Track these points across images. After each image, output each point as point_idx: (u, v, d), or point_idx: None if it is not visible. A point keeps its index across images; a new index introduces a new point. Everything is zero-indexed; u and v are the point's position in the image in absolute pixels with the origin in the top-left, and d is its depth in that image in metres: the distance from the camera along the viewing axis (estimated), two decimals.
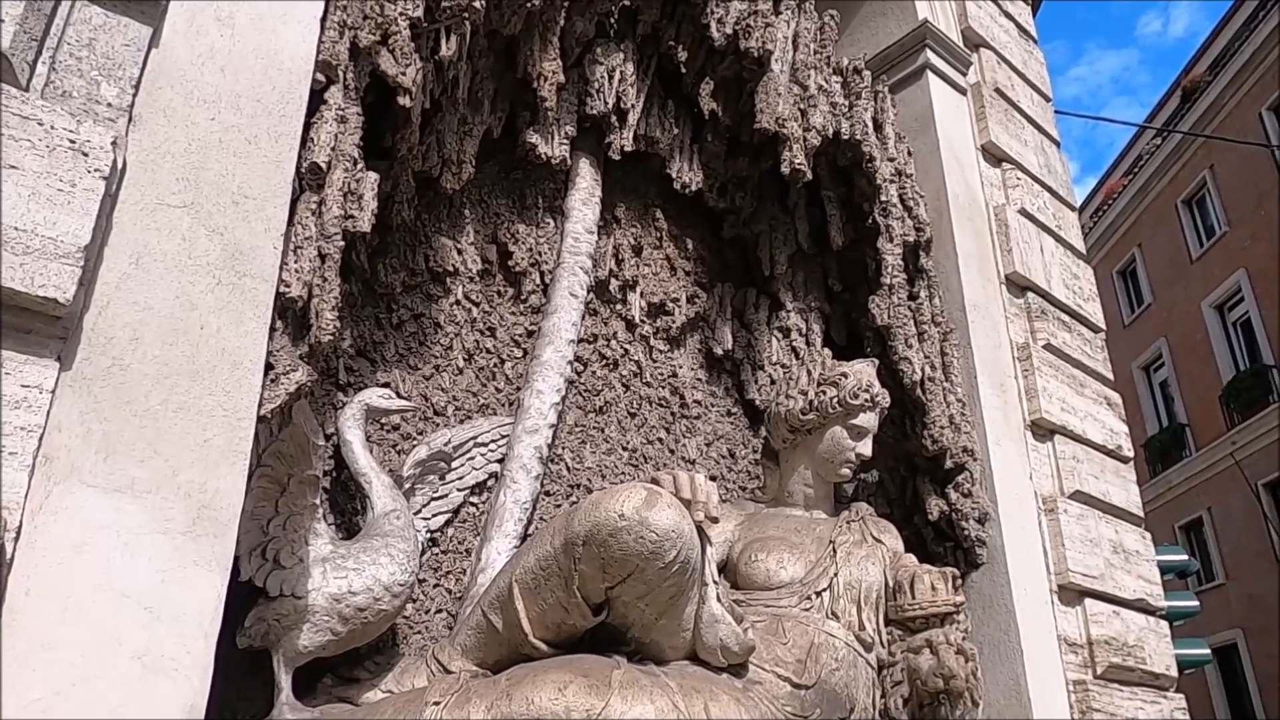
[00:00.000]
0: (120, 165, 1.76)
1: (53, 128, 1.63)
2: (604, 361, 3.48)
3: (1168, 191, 17.96)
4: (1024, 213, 4.35)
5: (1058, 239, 4.55)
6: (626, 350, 3.55)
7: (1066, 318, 4.33)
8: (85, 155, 1.65)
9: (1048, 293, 4.25)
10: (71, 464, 1.58)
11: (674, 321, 3.69)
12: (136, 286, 1.74)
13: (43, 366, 1.58)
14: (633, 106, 3.43)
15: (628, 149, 3.45)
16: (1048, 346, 4.08)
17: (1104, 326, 4.61)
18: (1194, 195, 17.42)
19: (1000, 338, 3.93)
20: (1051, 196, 4.68)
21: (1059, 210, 4.70)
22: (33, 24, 1.68)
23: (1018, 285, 4.15)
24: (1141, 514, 4.22)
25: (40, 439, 1.55)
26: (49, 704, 1.46)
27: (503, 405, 3.15)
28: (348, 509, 2.68)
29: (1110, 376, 4.47)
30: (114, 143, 1.70)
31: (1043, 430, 3.88)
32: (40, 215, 1.57)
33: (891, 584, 2.85)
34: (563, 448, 3.23)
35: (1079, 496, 3.81)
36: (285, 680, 2.24)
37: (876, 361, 3.28)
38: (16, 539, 1.49)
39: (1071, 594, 3.58)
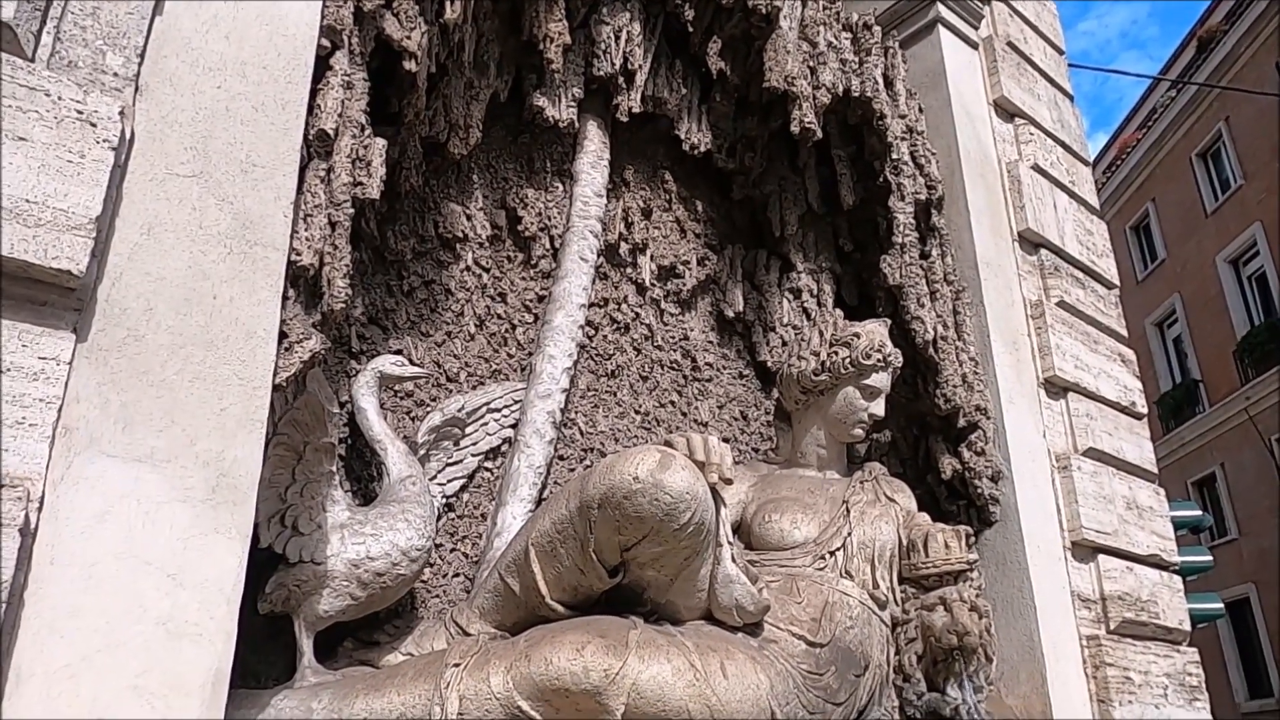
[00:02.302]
0: (128, 135, 1.75)
1: (60, 98, 1.62)
2: (615, 325, 3.48)
3: (1182, 145, 17.72)
4: (1037, 168, 4.30)
5: (1071, 194, 4.51)
6: (637, 314, 3.55)
7: (1080, 274, 4.30)
8: (93, 126, 1.64)
9: (1061, 249, 4.22)
10: (91, 435, 1.59)
11: (685, 284, 3.68)
12: (148, 257, 1.74)
13: (59, 338, 1.59)
14: (640, 67, 3.39)
15: (635, 110, 3.41)
16: (1061, 303, 4.05)
17: (1118, 283, 4.58)
18: (1209, 148, 17.18)
19: (1013, 295, 3.90)
20: (1065, 151, 4.63)
21: (1072, 165, 4.65)
22: None
23: (1031, 242, 4.12)
24: (1155, 470, 4.21)
25: (59, 410, 1.56)
26: (75, 669, 1.49)
27: (515, 371, 3.16)
28: (364, 476, 2.70)
29: (1124, 333, 4.44)
30: (121, 113, 1.70)
31: (1056, 388, 3.87)
32: (51, 187, 1.57)
33: (905, 543, 2.86)
34: (575, 412, 3.24)
35: (1092, 453, 3.81)
36: (307, 644, 2.28)
37: (889, 321, 3.27)
38: (40, 509, 1.51)
39: (1085, 550, 3.59)
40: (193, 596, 1.62)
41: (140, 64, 1.82)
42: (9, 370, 1.52)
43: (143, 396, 1.67)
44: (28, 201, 1.54)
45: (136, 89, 1.81)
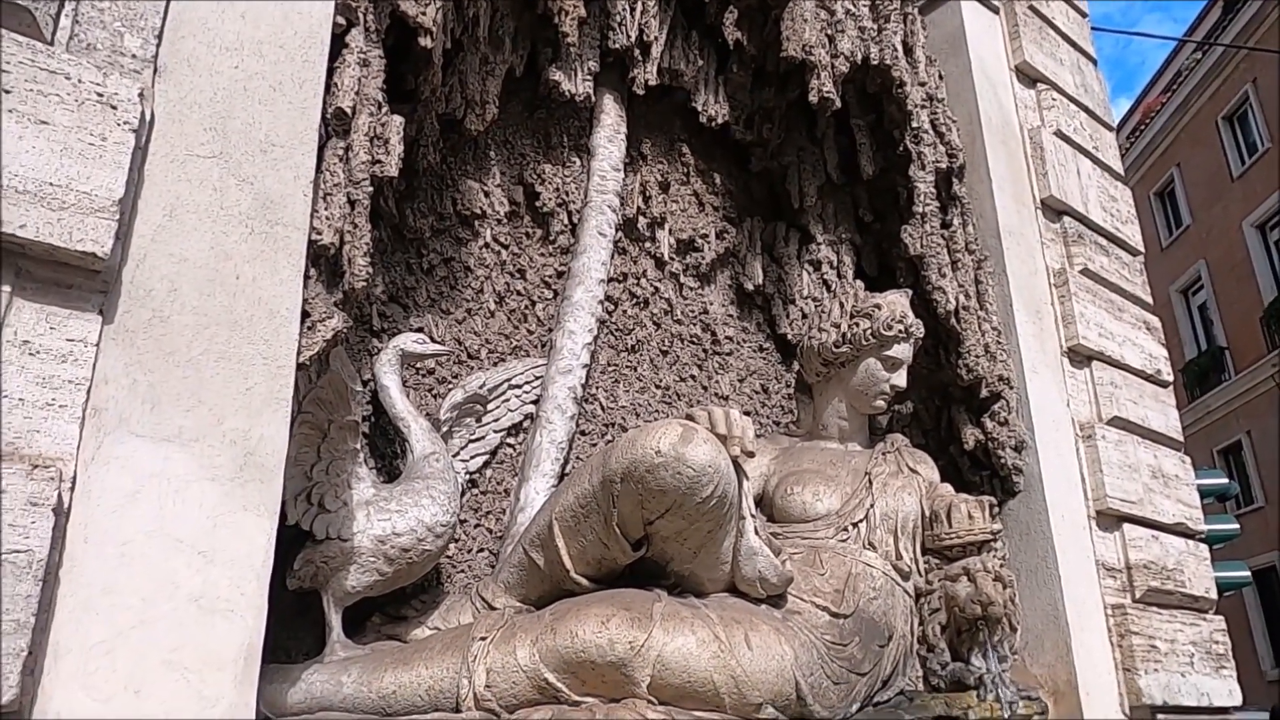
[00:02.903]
0: (148, 117, 1.76)
1: (80, 81, 1.63)
2: (634, 300, 3.47)
3: (1208, 108, 17.39)
4: (1060, 134, 4.24)
5: (1095, 160, 4.44)
6: (657, 288, 3.54)
7: (1104, 241, 4.24)
8: (114, 108, 1.65)
9: (1085, 216, 4.16)
10: (120, 415, 1.61)
11: (703, 258, 3.67)
12: (171, 238, 1.75)
13: (85, 320, 1.61)
14: (655, 39, 3.35)
15: (652, 83, 3.39)
16: (1085, 271, 4.00)
17: (1142, 249, 4.52)
18: (1235, 111, 16.85)
19: (1036, 264, 3.86)
20: (1088, 117, 4.55)
21: (1096, 131, 4.58)
22: None
23: (1054, 209, 4.07)
24: (1180, 438, 4.18)
25: (88, 391, 1.58)
26: (111, 645, 1.52)
27: (535, 347, 3.16)
28: (388, 453, 2.73)
29: (1149, 300, 4.39)
30: (141, 94, 1.70)
31: (1080, 356, 3.83)
32: (74, 170, 1.58)
33: (928, 514, 2.86)
34: (596, 387, 3.25)
35: (1117, 422, 3.78)
36: (335, 620, 2.31)
37: (910, 292, 3.25)
38: (72, 489, 1.53)
39: (1110, 519, 3.57)
40: (223, 573, 1.64)
41: (158, 45, 1.83)
42: (38, 353, 1.54)
43: (169, 376, 1.68)
44: (51, 185, 1.55)
45: (155, 70, 1.81)
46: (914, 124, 3.51)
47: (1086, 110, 4.55)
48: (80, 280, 1.62)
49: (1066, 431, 3.61)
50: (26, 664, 1.39)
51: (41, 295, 1.57)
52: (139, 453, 1.62)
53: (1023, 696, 2.68)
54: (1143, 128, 19.31)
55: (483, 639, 2.17)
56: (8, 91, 1.55)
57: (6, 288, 1.53)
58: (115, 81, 1.67)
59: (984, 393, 3.39)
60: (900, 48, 3.57)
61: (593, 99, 3.30)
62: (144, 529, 1.59)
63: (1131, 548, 3.56)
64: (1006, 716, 2.59)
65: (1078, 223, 4.12)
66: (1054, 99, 4.33)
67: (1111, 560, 3.51)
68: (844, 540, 2.77)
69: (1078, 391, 3.76)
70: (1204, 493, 5.07)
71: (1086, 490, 3.55)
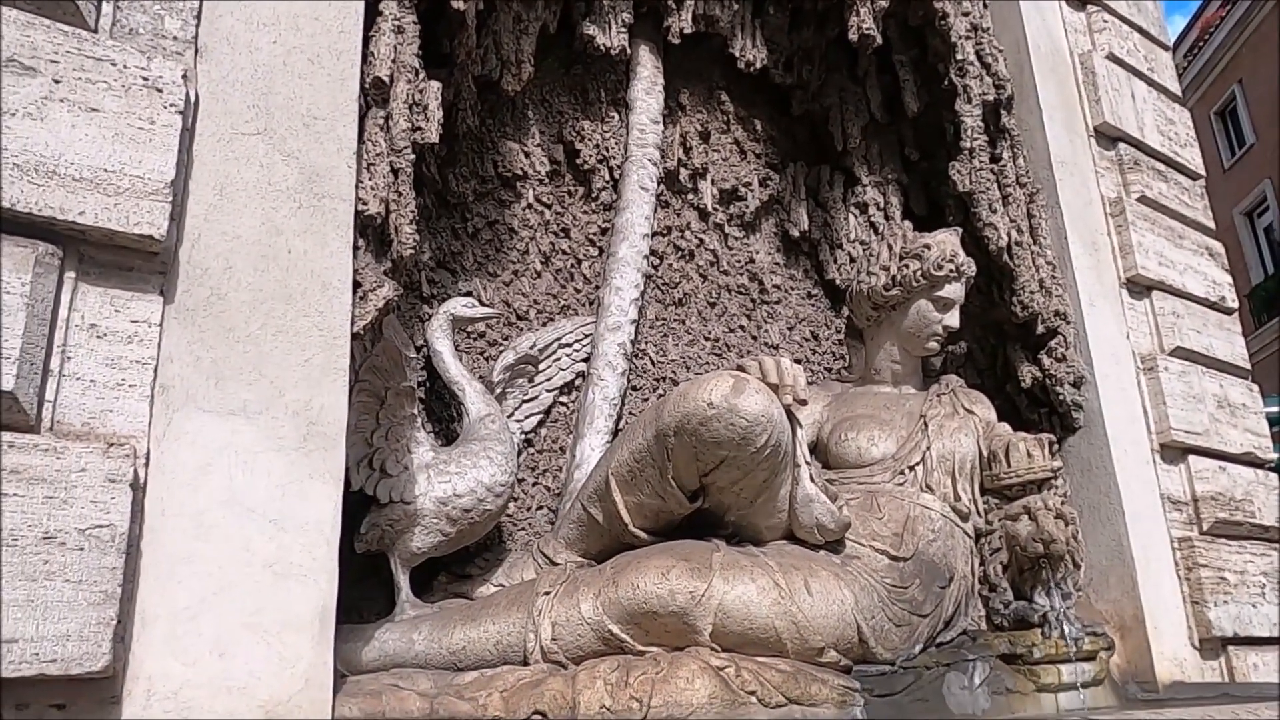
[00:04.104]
0: (193, 98, 1.79)
1: (125, 67, 1.66)
2: (680, 253, 3.46)
3: (1270, 19, 16.57)
4: (1112, 58, 4.08)
5: (1150, 83, 4.28)
6: (701, 240, 3.52)
7: (1162, 166, 4.10)
8: (159, 91, 1.68)
9: (1141, 142, 4.02)
10: (186, 391, 1.67)
11: (747, 206, 3.63)
12: (223, 216, 1.79)
13: (148, 301, 1.66)
14: None
15: (687, 31, 3.34)
16: (1142, 199, 3.88)
17: (1203, 173, 4.36)
18: None
19: (1091, 194, 3.75)
20: (1142, 37, 4.38)
21: (1151, 51, 4.40)
22: None
23: (1108, 137, 3.94)
24: (1248, 366, 4.06)
25: (155, 370, 1.64)
26: (195, 611, 1.58)
27: (583, 305, 3.18)
28: (444, 416, 2.78)
29: (1211, 225, 4.25)
30: (184, 76, 1.73)
31: (1139, 287, 3.74)
32: (126, 155, 1.62)
33: (986, 454, 2.83)
34: (645, 342, 3.26)
35: (1180, 353, 3.69)
36: (403, 580, 2.38)
37: (960, 230, 3.18)
38: (147, 464, 1.59)
39: (1174, 452, 3.50)
40: (295, 539, 1.70)
41: (197, 25, 1.85)
42: (105, 335, 1.59)
43: (230, 352, 1.73)
44: (106, 170, 1.59)
45: (196, 51, 1.84)
46: (959, 56, 3.41)
47: (1140, 30, 4.38)
48: (139, 263, 1.66)
49: (1127, 364, 3.53)
50: (116, 632, 1.46)
51: (104, 279, 1.62)
52: (207, 427, 1.67)
53: (1088, 632, 2.67)
54: (1201, 44, 18.49)
55: (546, 594, 2.22)
56: (57, 81, 1.58)
57: (71, 273, 1.58)
58: (159, 64, 1.70)
59: (1040, 329, 3.33)
60: None
61: (628, 51, 3.26)
62: (217, 499, 1.65)
63: (1198, 480, 3.49)
64: (1072, 652, 2.58)
65: (1133, 149, 3.99)
66: (1105, 21, 4.17)
67: (1177, 493, 3.45)
68: (901, 484, 2.76)
69: (1138, 323, 3.67)
70: (1273, 421, 4.94)
71: (1149, 423, 3.48)
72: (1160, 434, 3.47)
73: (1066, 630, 2.61)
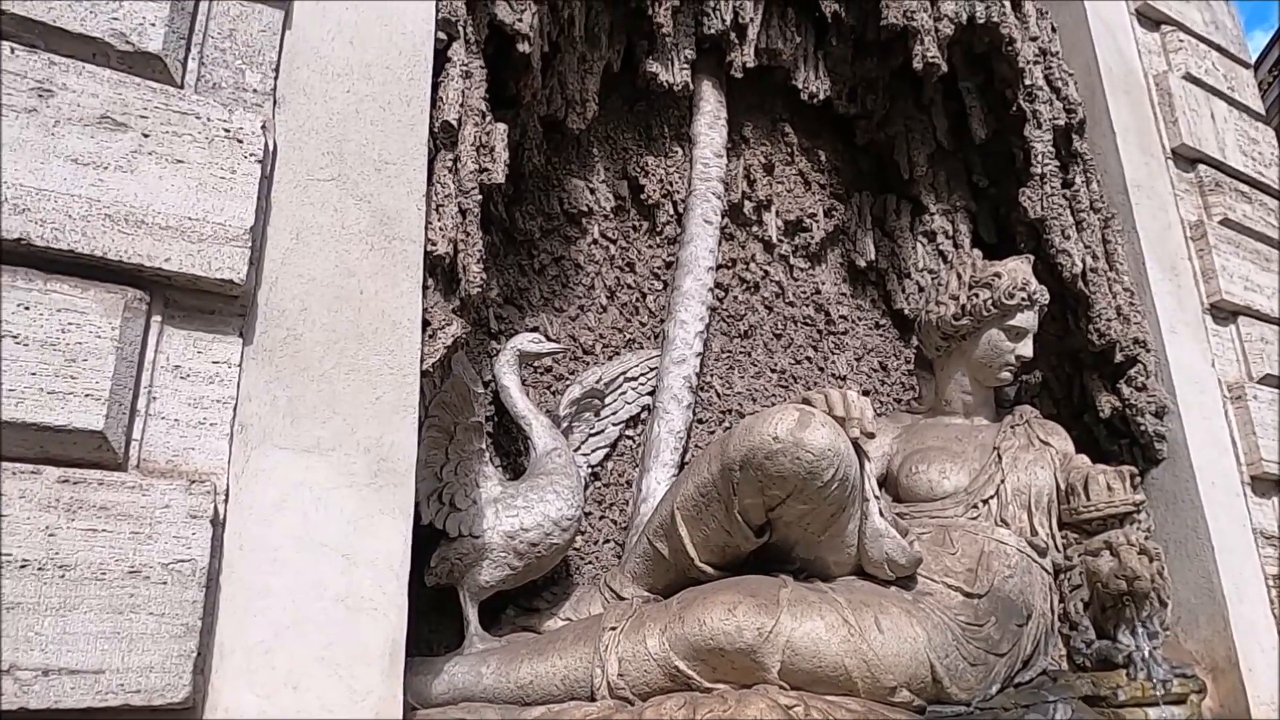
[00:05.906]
0: (271, 147, 1.86)
1: (209, 120, 1.74)
2: (745, 285, 3.46)
3: None
4: (1189, 77, 3.98)
5: (1230, 102, 4.15)
6: (766, 272, 3.52)
7: (1245, 187, 3.96)
8: (240, 142, 1.76)
9: (1222, 163, 3.90)
10: (263, 430, 1.72)
11: (813, 237, 3.62)
12: (299, 260, 1.85)
13: (228, 343, 1.72)
14: (751, 20, 3.32)
15: (749, 65, 3.36)
16: (1225, 221, 3.75)
17: None
18: None
19: (1169, 217, 3.65)
20: (1221, 55, 4.25)
21: (1230, 69, 4.27)
22: (179, 23, 1.79)
23: (1186, 158, 3.82)
24: None
25: (234, 409, 1.70)
26: (269, 644, 1.62)
27: (648, 339, 3.19)
28: (511, 450, 2.81)
29: None
30: (263, 126, 1.80)
31: (1224, 312, 3.60)
32: (209, 204, 1.69)
33: (1064, 486, 2.75)
34: (711, 375, 3.26)
35: (1270, 380, 3.54)
36: (472, 613, 2.40)
37: (1032, 257, 3.12)
38: (226, 500, 1.65)
39: (1266, 484, 3.35)
40: (366, 574, 1.74)
41: (276, 78, 1.93)
42: (188, 376, 1.66)
43: (305, 391, 1.78)
44: (190, 219, 1.67)
45: (274, 102, 1.92)
46: (1027, 81, 3.36)
47: (1218, 49, 4.26)
48: (220, 306, 1.73)
49: (1213, 393, 3.40)
50: (196, 664, 1.50)
51: (188, 322, 1.69)
52: (283, 464, 1.72)
53: (1177, 674, 2.56)
54: None
55: (613, 629, 2.22)
56: (146, 135, 1.67)
57: (157, 317, 1.66)
58: (240, 116, 1.78)
59: (1118, 357, 3.23)
60: (1008, 3, 3.42)
61: (691, 87, 3.30)
62: (292, 535, 1.69)
63: None
64: (1160, 695, 2.48)
65: (1214, 170, 3.87)
66: (1181, 40, 4.06)
67: (1270, 528, 3.30)
68: (974, 518, 2.69)
69: (1223, 350, 3.53)
70: None
71: (1239, 454, 3.34)
72: (1251, 465, 3.32)
73: (1154, 671, 2.50)
